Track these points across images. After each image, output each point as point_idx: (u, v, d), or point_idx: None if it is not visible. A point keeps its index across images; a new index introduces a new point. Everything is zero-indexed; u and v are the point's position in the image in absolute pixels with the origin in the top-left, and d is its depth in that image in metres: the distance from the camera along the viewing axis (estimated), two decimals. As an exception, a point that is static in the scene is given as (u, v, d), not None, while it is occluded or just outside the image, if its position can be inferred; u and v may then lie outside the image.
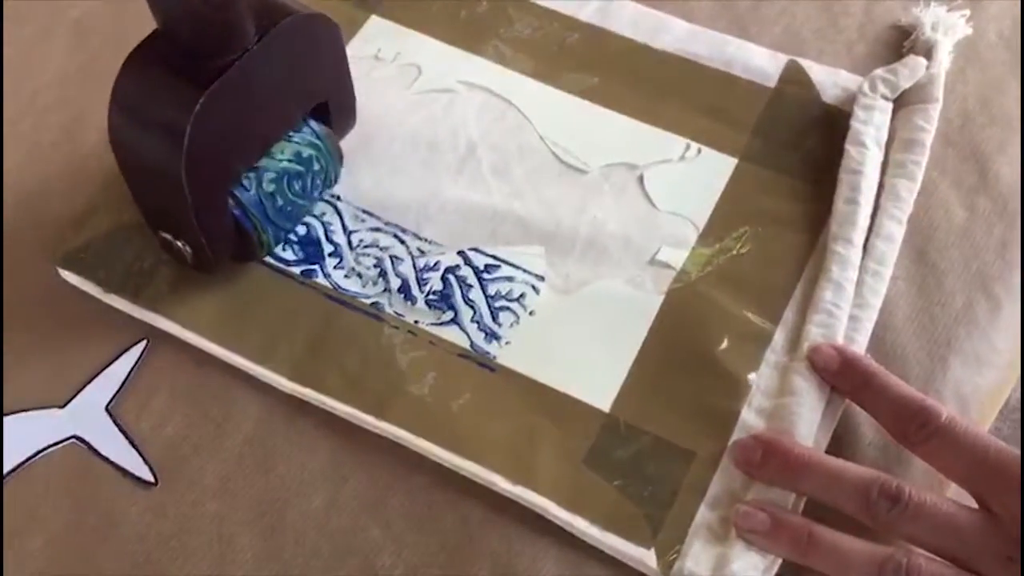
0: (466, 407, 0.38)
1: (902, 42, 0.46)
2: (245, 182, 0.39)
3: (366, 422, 0.38)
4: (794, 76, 0.46)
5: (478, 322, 0.40)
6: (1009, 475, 0.32)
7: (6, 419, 0.39)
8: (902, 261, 0.40)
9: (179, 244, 0.39)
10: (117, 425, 0.39)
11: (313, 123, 0.41)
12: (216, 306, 0.40)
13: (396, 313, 0.40)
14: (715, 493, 0.36)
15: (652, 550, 0.35)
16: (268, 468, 0.38)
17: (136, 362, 0.40)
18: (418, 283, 0.41)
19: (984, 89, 0.45)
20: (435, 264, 0.41)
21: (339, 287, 0.41)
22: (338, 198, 0.43)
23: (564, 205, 0.43)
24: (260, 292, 0.41)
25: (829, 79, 0.45)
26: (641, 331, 0.39)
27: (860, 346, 0.38)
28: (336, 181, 0.43)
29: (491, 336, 0.39)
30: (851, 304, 0.39)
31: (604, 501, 0.36)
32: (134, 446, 0.38)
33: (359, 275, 0.41)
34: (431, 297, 0.40)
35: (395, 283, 0.41)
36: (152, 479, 0.37)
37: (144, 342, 0.40)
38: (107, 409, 0.39)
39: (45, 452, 0.38)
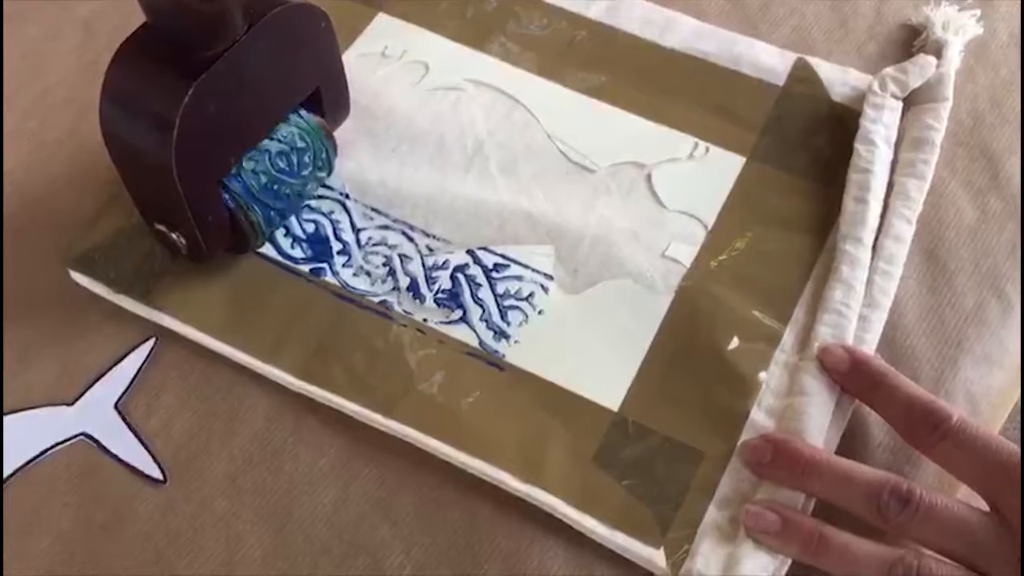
0: (475, 406, 0.38)
1: (912, 41, 0.46)
2: None
3: (375, 420, 0.38)
4: (803, 74, 0.45)
5: (487, 321, 0.40)
6: (1020, 477, 0.32)
7: (15, 416, 0.39)
8: (912, 261, 0.40)
9: (174, 236, 0.39)
10: (126, 423, 0.39)
11: (301, 109, 0.41)
12: (225, 305, 0.40)
13: (405, 311, 0.40)
14: (724, 493, 0.36)
15: (661, 549, 0.35)
16: (277, 466, 0.38)
17: (145, 360, 0.40)
18: (427, 281, 0.41)
19: (995, 89, 0.45)
20: (444, 263, 0.41)
21: (348, 285, 0.41)
22: (347, 196, 0.43)
23: (572, 204, 0.43)
24: (269, 291, 0.41)
25: (838, 78, 0.45)
26: (650, 330, 0.39)
27: (870, 346, 0.38)
28: (330, 167, 0.42)
29: (500, 335, 0.39)
30: (861, 304, 0.39)
31: (613, 500, 0.36)
32: (143, 444, 0.38)
33: (368, 273, 0.41)
34: (440, 296, 0.40)
35: (404, 282, 0.41)
36: (161, 477, 0.37)
37: (153, 340, 0.40)
38: (116, 407, 0.39)
39: (54, 450, 0.38)
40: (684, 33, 0.47)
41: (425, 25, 0.48)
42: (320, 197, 0.43)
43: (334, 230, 0.42)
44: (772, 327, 0.39)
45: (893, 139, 0.43)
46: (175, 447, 0.38)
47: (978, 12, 0.46)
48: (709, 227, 0.42)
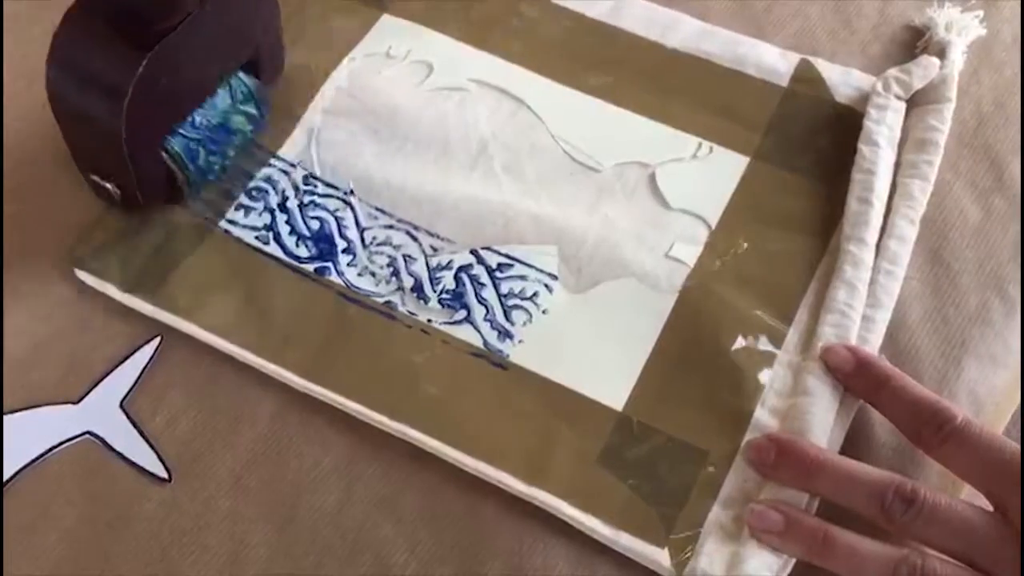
0: (479, 406, 0.38)
1: (915, 42, 0.46)
2: None
3: (378, 421, 0.38)
4: (806, 75, 0.46)
5: (491, 321, 0.40)
6: (1022, 477, 0.32)
7: (21, 415, 0.39)
8: (916, 261, 0.40)
9: (109, 186, 0.40)
10: (131, 421, 0.39)
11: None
12: (231, 304, 0.40)
13: (409, 312, 0.40)
14: (728, 493, 0.36)
15: (665, 549, 0.35)
16: (281, 464, 0.38)
17: (150, 358, 0.40)
18: (431, 282, 0.41)
19: (999, 90, 0.45)
20: (448, 263, 0.41)
21: (352, 285, 0.41)
22: (351, 194, 0.43)
23: (576, 203, 0.43)
24: (274, 290, 0.41)
25: (842, 78, 0.45)
26: (654, 330, 0.39)
27: (873, 347, 0.38)
28: (256, 103, 0.43)
29: (504, 335, 0.40)
30: (864, 304, 0.39)
31: (617, 500, 0.36)
32: (148, 442, 0.38)
33: (372, 274, 0.41)
34: (444, 296, 0.40)
35: (408, 282, 0.41)
36: (166, 475, 0.38)
37: (158, 339, 0.40)
38: (121, 405, 0.39)
39: (59, 448, 0.38)
40: (687, 34, 0.47)
41: (429, 25, 0.48)
42: (325, 196, 0.43)
43: (339, 227, 0.42)
44: (775, 327, 0.39)
45: (896, 140, 0.43)
46: (180, 446, 0.38)
47: (981, 13, 0.46)
48: (713, 227, 0.42)
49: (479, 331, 0.40)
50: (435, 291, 0.41)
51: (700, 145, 0.44)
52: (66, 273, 0.41)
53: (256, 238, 0.42)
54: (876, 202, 0.41)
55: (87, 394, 0.39)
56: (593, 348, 0.39)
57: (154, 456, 0.38)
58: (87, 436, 0.38)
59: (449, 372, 0.39)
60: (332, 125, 0.45)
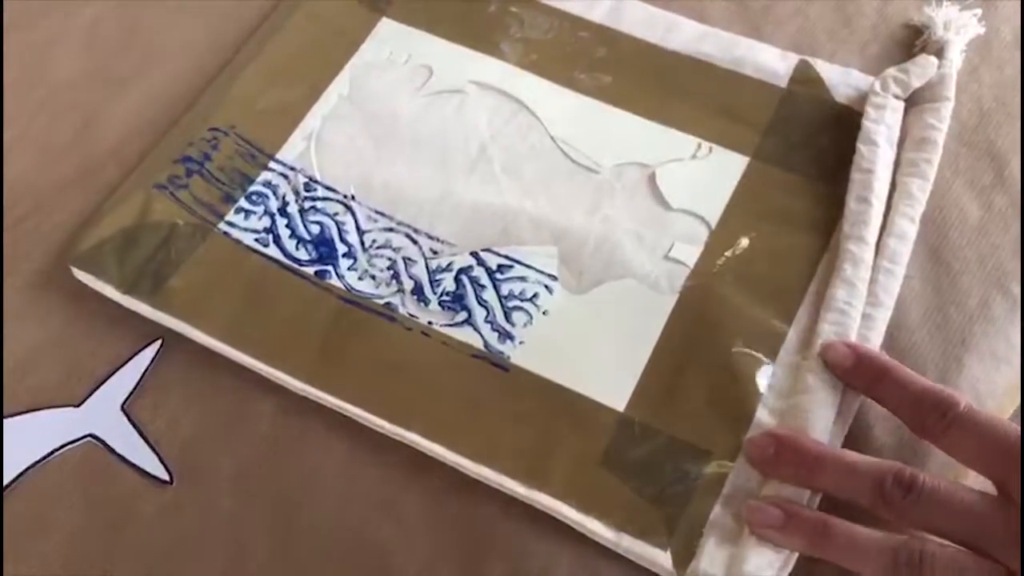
0: (479, 408, 0.38)
1: (914, 41, 0.46)
2: None
3: (379, 425, 0.38)
4: (805, 75, 0.45)
5: (492, 322, 0.40)
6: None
7: (22, 418, 0.39)
8: (916, 260, 0.40)
9: None
10: (132, 424, 0.39)
11: None
12: (231, 307, 0.40)
13: (409, 314, 0.40)
14: (730, 492, 0.36)
15: (668, 551, 0.35)
16: (282, 467, 0.38)
17: (151, 361, 0.40)
18: (431, 284, 0.41)
19: (999, 88, 0.45)
20: (448, 265, 0.41)
21: (352, 288, 0.41)
22: (352, 198, 0.43)
23: (576, 204, 0.43)
24: (275, 293, 0.41)
25: (840, 78, 0.45)
26: (655, 330, 0.39)
27: (874, 344, 0.38)
28: None
29: (505, 336, 0.39)
30: (864, 303, 0.39)
31: (619, 502, 0.36)
32: (149, 445, 0.38)
33: (372, 277, 0.41)
34: (444, 298, 0.40)
35: (408, 284, 0.41)
36: (167, 478, 0.38)
37: (159, 341, 0.40)
38: (123, 408, 0.39)
39: (61, 451, 0.38)
40: (686, 36, 0.47)
41: (428, 29, 0.48)
42: (325, 199, 0.43)
43: (339, 231, 0.42)
44: (776, 327, 0.39)
45: (896, 139, 0.43)
46: (181, 448, 0.38)
47: (979, 12, 0.46)
48: (713, 227, 0.42)
49: (480, 333, 0.40)
50: (435, 293, 0.41)
51: (700, 145, 0.44)
52: (66, 276, 0.41)
53: (256, 240, 0.42)
54: (875, 201, 0.41)
55: (88, 397, 0.39)
56: (594, 349, 0.39)
57: (155, 458, 0.38)
58: (88, 439, 0.39)
59: (450, 374, 0.39)
60: (332, 129, 0.45)
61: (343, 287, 0.41)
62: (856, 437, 0.37)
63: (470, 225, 0.42)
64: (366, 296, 0.41)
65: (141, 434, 0.38)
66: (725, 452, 0.36)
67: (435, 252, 0.42)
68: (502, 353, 0.39)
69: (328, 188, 0.44)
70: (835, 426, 0.36)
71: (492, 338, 0.39)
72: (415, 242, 0.42)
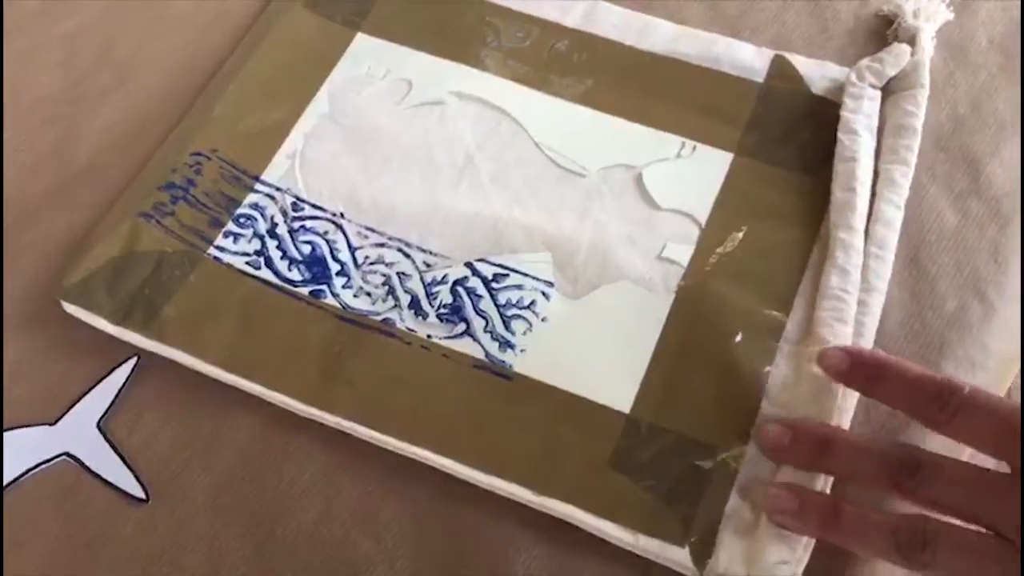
0: (485, 419, 0.38)
1: (886, 31, 0.47)
2: None
3: (384, 442, 0.37)
4: (782, 70, 0.46)
5: (491, 332, 0.40)
6: None
7: (-5, 436, 0.38)
8: (894, 265, 0.40)
9: None
10: (108, 441, 0.38)
11: None
12: (226, 333, 0.40)
13: (408, 328, 0.40)
14: (743, 485, 0.36)
15: (686, 548, 0.35)
16: (260, 482, 0.37)
17: (127, 378, 0.40)
18: (427, 297, 0.41)
19: (975, 93, 0.45)
20: (443, 278, 0.41)
21: (348, 307, 0.41)
22: (341, 215, 0.43)
23: (565, 210, 0.43)
24: (270, 316, 0.40)
25: (817, 71, 0.46)
26: (655, 330, 0.39)
27: (869, 329, 0.38)
28: None
29: (505, 345, 0.39)
30: (859, 288, 0.39)
31: (633, 503, 0.36)
32: (125, 462, 0.38)
33: (368, 293, 0.41)
34: (442, 311, 0.40)
35: (405, 299, 0.41)
36: (143, 495, 0.37)
37: (135, 358, 0.40)
38: (98, 425, 0.39)
39: (36, 470, 0.38)
40: (662, 36, 0.47)
41: (404, 43, 0.48)
42: (314, 218, 0.43)
43: (331, 250, 0.42)
44: (774, 319, 0.39)
45: (875, 127, 0.43)
46: (158, 465, 0.38)
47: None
48: (703, 225, 0.42)
49: (480, 343, 0.40)
50: (432, 306, 0.40)
51: (683, 144, 0.44)
52: (42, 293, 0.41)
53: (247, 263, 0.42)
54: (860, 188, 0.41)
55: (64, 415, 0.39)
56: (595, 353, 0.39)
57: (131, 476, 0.38)
58: (64, 457, 0.38)
59: (453, 386, 0.39)
60: (315, 148, 0.45)
61: (339, 305, 0.41)
62: (859, 423, 0.37)
63: (462, 236, 0.42)
64: (363, 313, 0.40)
65: (117, 452, 0.38)
66: (734, 446, 0.37)
67: (429, 265, 0.42)
68: (503, 362, 0.39)
69: (316, 207, 0.43)
70: (839, 416, 0.36)
71: (492, 348, 0.39)
72: (408, 256, 0.42)
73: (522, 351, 0.39)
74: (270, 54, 0.47)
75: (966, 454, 0.35)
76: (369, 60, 0.47)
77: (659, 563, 0.35)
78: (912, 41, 0.45)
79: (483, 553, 0.36)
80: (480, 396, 0.38)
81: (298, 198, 0.43)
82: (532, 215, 0.43)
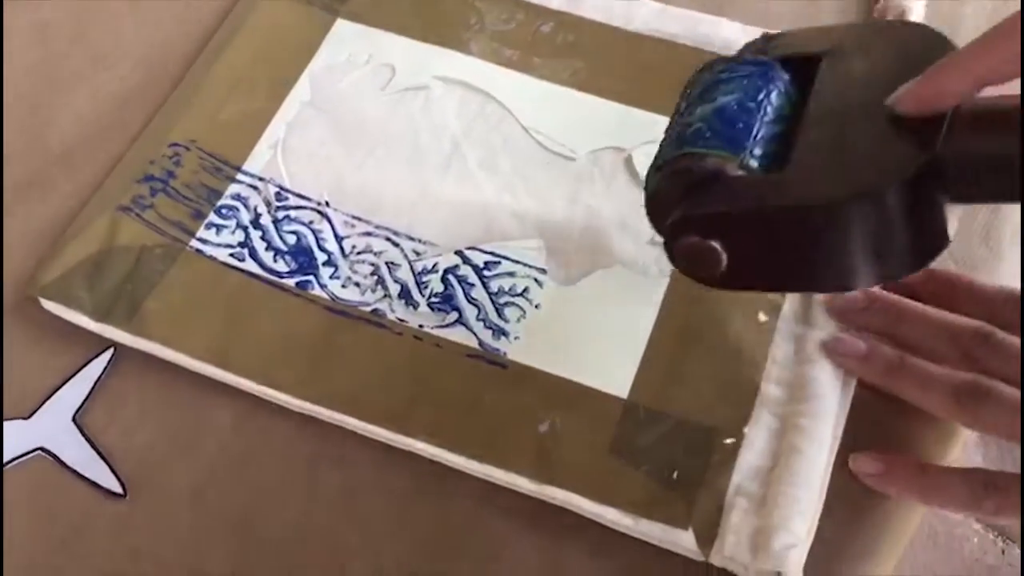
0: (481, 408, 0.37)
1: (873, 7, 0.47)
2: None
3: (382, 436, 0.37)
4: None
5: (484, 320, 0.39)
6: None
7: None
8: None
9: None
10: (84, 435, 0.37)
11: None
12: (212, 328, 0.39)
13: (399, 319, 0.39)
14: (744, 467, 0.35)
15: (690, 530, 0.34)
16: (242, 475, 0.37)
17: (103, 370, 0.38)
18: (418, 287, 0.40)
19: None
20: (433, 266, 0.40)
21: (337, 298, 0.40)
22: (327, 204, 0.42)
23: (556, 194, 0.42)
24: (256, 309, 0.39)
25: (805, 48, 0.45)
26: (650, 314, 0.39)
27: None
28: None
29: (499, 332, 0.39)
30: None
31: (634, 488, 0.35)
32: (102, 457, 0.37)
33: (356, 284, 0.40)
34: (433, 300, 0.40)
35: (395, 289, 0.40)
36: (121, 491, 0.36)
37: (111, 349, 0.39)
38: (74, 419, 0.38)
39: (10, 465, 0.37)
40: (647, 16, 0.47)
41: (386, 27, 0.47)
42: (299, 208, 0.42)
43: (316, 240, 0.41)
44: (770, 298, 0.39)
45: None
46: (136, 460, 0.37)
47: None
48: (695, 206, 0.41)
49: (473, 332, 0.39)
50: (423, 295, 0.40)
51: (673, 125, 0.44)
52: (14, 284, 0.40)
53: (231, 255, 0.40)
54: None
55: (38, 409, 0.38)
56: (591, 338, 0.39)
57: (108, 471, 0.37)
58: (39, 452, 0.37)
59: (447, 377, 0.38)
60: (298, 136, 0.44)
61: (327, 297, 0.40)
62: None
63: (451, 224, 0.41)
64: (352, 304, 0.39)
65: (93, 446, 0.37)
66: (734, 428, 0.36)
67: (418, 254, 0.41)
68: (498, 350, 0.38)
69: (300, 196, 0.42)
70: (843, 393, 0.36)
71: (486, 336, 0.39)
72: (396, 245, 0.41)
73: (516, 338, 0.39)
74: (249, 41, 0.46)
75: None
76: (351, 46, 0.46)
77: (663, 548, 0.35)
78: (901, 17, 0.45)
79: (470, 544, 0.35)
80: (475, 385, 0.37)
81: (281, 188, 0.42)
82: (522, 201, 0.42)
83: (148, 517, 0.36)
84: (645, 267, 0.40)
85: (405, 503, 0.36)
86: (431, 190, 0.42)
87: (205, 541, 0.35)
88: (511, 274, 0.40)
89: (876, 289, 0.37)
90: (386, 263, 0.40)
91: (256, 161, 0.43)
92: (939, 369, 0.34)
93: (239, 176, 0.43)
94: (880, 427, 0.36)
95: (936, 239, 0.29)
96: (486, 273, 0.40)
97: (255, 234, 0.41)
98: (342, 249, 0.41)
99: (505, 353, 0.38)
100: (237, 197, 0.42)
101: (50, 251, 0.40)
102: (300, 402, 0.37)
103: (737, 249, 0.31)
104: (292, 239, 0.41)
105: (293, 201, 0.42)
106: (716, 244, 0.31)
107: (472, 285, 0.40)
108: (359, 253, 0.41)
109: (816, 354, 0.37)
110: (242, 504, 0.36)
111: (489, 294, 0.40)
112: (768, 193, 0.30)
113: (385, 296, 0.40)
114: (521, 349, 0.38)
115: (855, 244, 0.29)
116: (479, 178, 0.43)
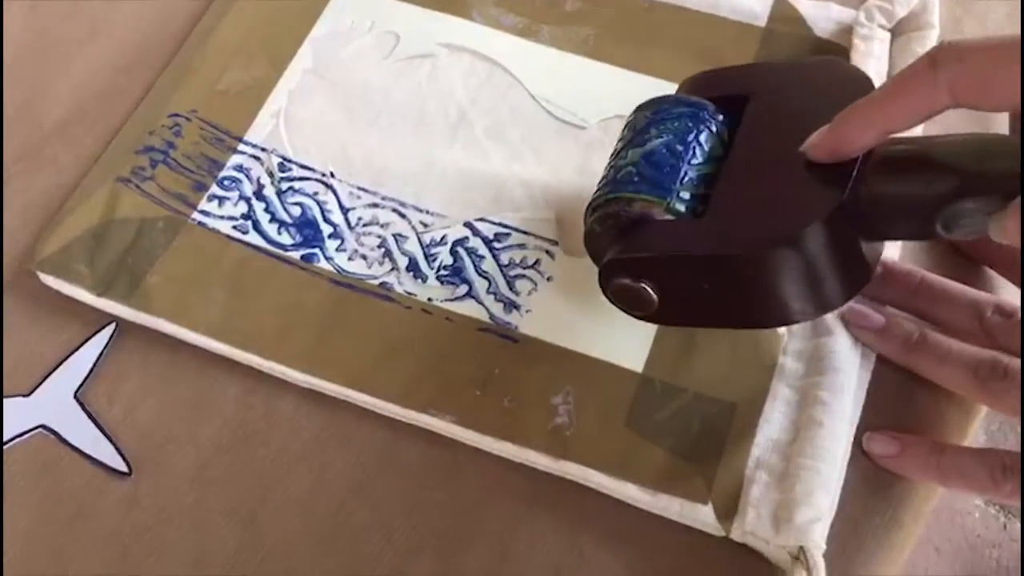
0: (493, 383, 0.36)
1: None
2: None
3: (392, 411, 0.36)
4: (783, 13, 0.44)
5: (495, 293, 0.38)
6: None
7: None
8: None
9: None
10: (87, 413, 0.36)
11: None
12: (216, 301, 0.38)
13: (407, 292, 0.38)
14: (763, 441, 0.35)
15: (709, 505, 0.33)
16: (248, 452, 0.36)
17: (105, 345, 0.38)
18: (426, 259, 0.39)
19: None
20: (442, 238, 0.39)
21: (343, 270, 0.39)
22: (331, 175, 0.41)
23: (566, 164, 0.41)
24: (261, 282, 0.38)
25: (820, 13, 0.44)
26: None
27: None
28: None
29: (510, 306, 0.38)
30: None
31: (652, 463, 0.34)
32: (105, 434, 0.36)
33: (363, 256, 0.39)
34: (442, 272, 0.39)
35: (402, 261, 0.39)
36: (126, 469, 0.36)
37: (113, 324, 0.38)
38: (76, 396, 0.37)
39: (11, 443, 0.36)
40: (659, -18, 0.45)
41: (389, -7, 0.46)
42: (303, 179, 0.41)
43: (322, 211, 0.40)
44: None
45: (885, 71, 0.42)
46: (140, 437, 0.36)
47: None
48: (709, 175, 0.40)
49: (483, 305, 0.38)
50: (432, 268, 0.39)
51: (686, 93, 0.42)
52: (12, 260, 0.39)
53: (234, 228, 0.39)
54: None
55: (39, 385, 0.37)
56: (605, 312, 0.37)
57: (112, 449, 0.36)
58: (40, 430, 0.36)
59: (457, 351, 0.37)
60: (300, 105, 0.43)
61: (333, 269, 0.39)
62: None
63: (459, 194, 0.40)
64: (359, 277, 0.38)
65: (96, 423, 0.36)
66: (751, 401, 0.35)
67: (426, 225, 0.40)
68: (509, 324, 0.37)
69: (304, 167, 0.41)
70: (861, 367, 0.35)
71: (497, 309, 0.38)
72: (403, 216, 0.40)
73: (528, 312, 0.38)
74: (249, 8, 0.45)
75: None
76: (353, 12, 0.45)
77: (680, 530, 0.34)
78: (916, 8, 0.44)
79: (484, 524, 0.34)
80: (486, 360, 0.37)
81: (285, 158, 0.41)
82: (531, 170, 0.41)
83: (153, 496, 0.35)
84: (659, 238, 0.39)
85: (416, 482, 0.35)
86: (438, 160, 0.41)
87: (211, 520, 0.35)
88: (522, 246, 0.39)
89: (893, 259, 0.36)
90: (393, 235, 0.39)
91: (258, 131, 0.42)
92: (959, 345, 0.33)
93: (241, 147, 0.41)
94: (900, 403, 0.36)
95: (860, 271, 0.30)
96: (496, 245, 0.39)
97: (258, 206, 0.40)
98: (348, 221, 0.40)
99: (516, 327, 0.37)
100: (239, 168, 0.41)
101: (48, 224, 0.39)
102: (306, 377, 0.36)
103: (668, 291, 0.32)
104: (296, 211, 0.40)
105: (297, 172, 0.41)
106: (646, 286, 0.32)
107: (482, 257, 0.39)
108: (365, 225, 0.40)
109: (835, 326, 0.36)
110: (248, 482, 0.35)
111: (499, 266, 0.39)
112: (691, 240, 0.31)
113: (393, 269, 0.39)
114: (533, 322, 0.37)
115: (779, 287, 0.30)
116: (487, 147, 0.42)
